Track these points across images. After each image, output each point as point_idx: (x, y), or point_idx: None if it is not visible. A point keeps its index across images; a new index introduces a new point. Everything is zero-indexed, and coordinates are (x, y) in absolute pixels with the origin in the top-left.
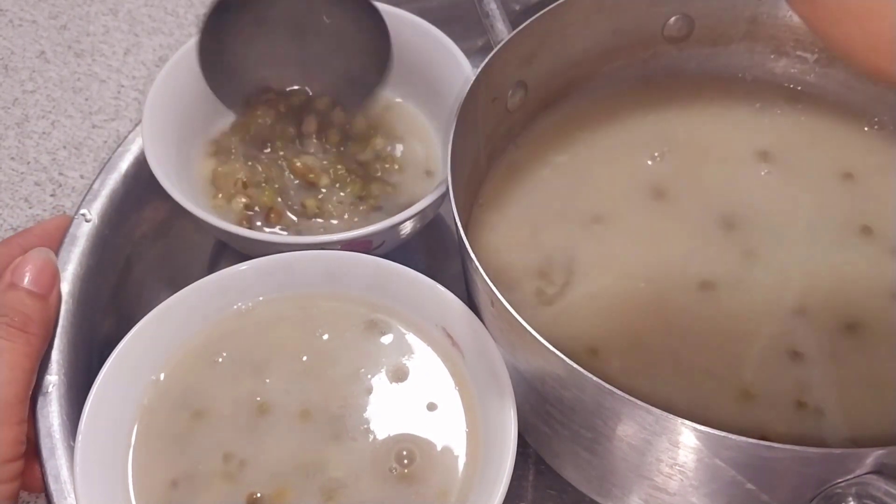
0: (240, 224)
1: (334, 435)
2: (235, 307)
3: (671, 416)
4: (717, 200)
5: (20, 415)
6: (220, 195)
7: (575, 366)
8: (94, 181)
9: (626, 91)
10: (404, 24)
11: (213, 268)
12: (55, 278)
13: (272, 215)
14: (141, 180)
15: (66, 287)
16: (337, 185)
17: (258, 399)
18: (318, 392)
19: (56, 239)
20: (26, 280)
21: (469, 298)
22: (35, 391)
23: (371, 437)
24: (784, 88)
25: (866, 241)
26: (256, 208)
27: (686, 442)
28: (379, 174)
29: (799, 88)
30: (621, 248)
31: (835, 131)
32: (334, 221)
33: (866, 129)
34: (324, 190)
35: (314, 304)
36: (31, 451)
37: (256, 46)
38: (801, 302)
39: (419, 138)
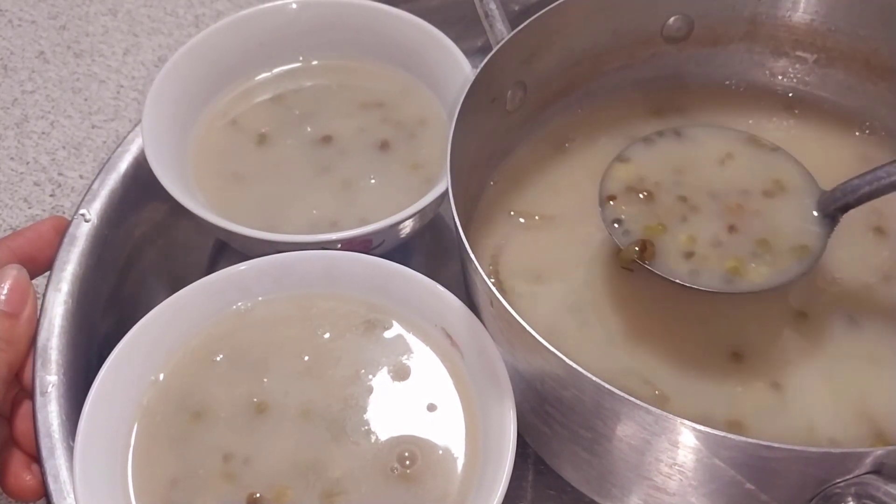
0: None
1: (335, 435)
2: (235, 307)
3: (670, 415)
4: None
5: None
6: None
7: (574, 365)
8: (94, 181)
9: (624, 92)
10: (404, 24)
11: (212, 268)
12: (25, 295)
13: None
14: (140, 180)
15: (65, 287)
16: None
17: (258, 399)
18: (319, 392)
19: (48, 240)
20: None
21: (468, 298)
22: (34, 391)
23: (372, 437)
24: (780, 95)
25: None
26: None
27: (685, 442)
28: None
29: (793, 95)
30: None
31: (825, 137)
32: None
33: (857, 133)
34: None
35: (314, 304)
36: (21, 458)
37: None
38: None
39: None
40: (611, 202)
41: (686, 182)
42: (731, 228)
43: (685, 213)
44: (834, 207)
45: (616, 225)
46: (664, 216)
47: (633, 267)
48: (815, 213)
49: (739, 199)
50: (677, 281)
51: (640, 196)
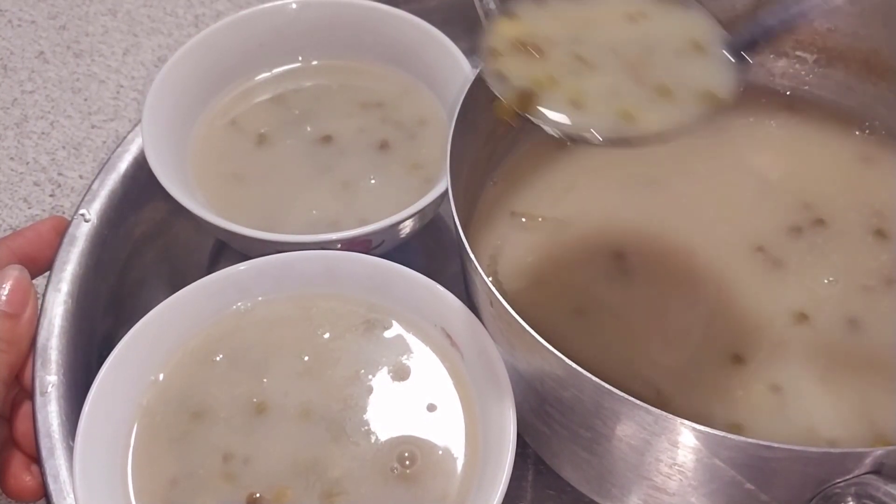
0: None
1: (334, 436)
2: (235, 307)
3: (670, 415)
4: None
5: None
6: None
7: (574, 366)
8: (94, 181)
9: None
10: (404, 24)
11: (212, 268)
12: (27, 296)
13: None
14: (140, 180)
15: (65, 287)
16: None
17: (258, 399)
18: (318, 392)
19: (48, 240)
20: None
21: (468, 298)
22: (33, 392)
23: (372, 437)
24: (780, 95)
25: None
26: None
27: (685, 442)
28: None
29: (793, 95)
30: (618, 245)
31: (825, 137)
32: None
33: (857, 133)
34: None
35: (314, 304)
36: (21, 459)
37: None
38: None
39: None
40: (494, 57)
41: (586, 39)
42: (634, 80)
43: (580, 68)
44: (742, 48)
45: (499, 80)
46: (556, 70)
47: (513, 120)
48: (729, 58)
49: (645, 54)
50: (559, 134)
51: (529, 51)
